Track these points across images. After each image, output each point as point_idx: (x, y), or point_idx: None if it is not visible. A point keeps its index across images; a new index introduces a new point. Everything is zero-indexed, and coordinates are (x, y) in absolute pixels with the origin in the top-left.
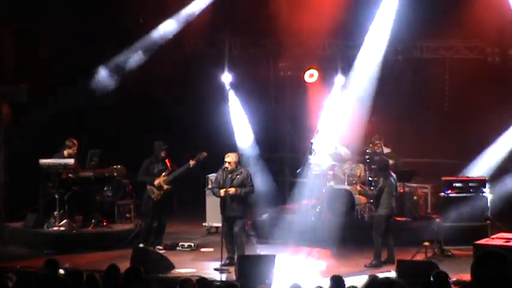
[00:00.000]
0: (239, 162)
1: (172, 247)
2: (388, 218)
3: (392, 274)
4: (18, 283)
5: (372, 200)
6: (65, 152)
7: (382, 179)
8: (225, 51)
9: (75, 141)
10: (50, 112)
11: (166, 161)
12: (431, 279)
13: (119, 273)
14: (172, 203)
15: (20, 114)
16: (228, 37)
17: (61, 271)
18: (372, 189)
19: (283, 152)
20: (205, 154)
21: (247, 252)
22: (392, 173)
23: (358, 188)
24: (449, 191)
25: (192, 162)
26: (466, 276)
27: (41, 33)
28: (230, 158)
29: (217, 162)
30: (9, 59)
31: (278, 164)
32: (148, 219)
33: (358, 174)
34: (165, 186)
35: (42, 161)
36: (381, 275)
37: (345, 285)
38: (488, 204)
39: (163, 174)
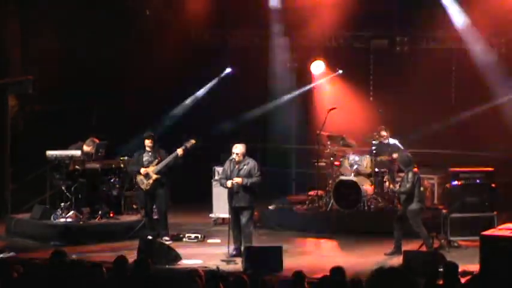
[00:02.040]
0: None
1: (179, 238)
2: (422, 210)
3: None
4: (24, 274)
5: (398, 196)
6: (85, 147)
7: (410, 174)
8: (228, 43)
9: (96, 141)
10: (57, 104)
11: (159, 151)
12: (441, 269)
13: (127, 264)
14: (167, 193)
15: (27, 105)
16: (233, 29)
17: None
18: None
19: (290, 143)
20: (193, 142)
21: (254, 244)
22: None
23: (392, 187)
24: (456, 182)
25: (179, 151)
26: (473, 267)
27: (48, 25)
28: (238, 149)
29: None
30: (16, 51)
31: (285, 155)
32: (143, 210)
33: (365, 165)
34: (154, 176)
35: (49, 152)
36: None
37: (345, 276)
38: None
39: (153, 164)
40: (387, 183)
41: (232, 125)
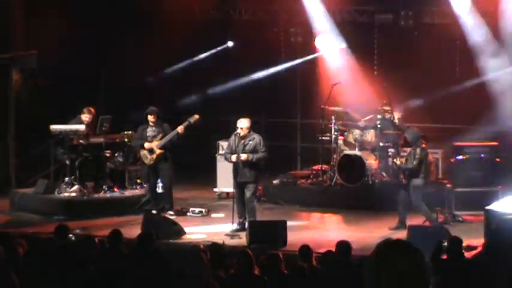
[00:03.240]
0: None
1: (183, 213)
2: (426, 185)
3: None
4: (29, 249)
5: (403, 170)
6: (83, 117)
7: (418, 150)
8: (233, 16)
9: (92, 110)
10: (60, 78)
11: (163, 125)
12: (445, 244)
13: (121, 238)
14: (171, 167)
15: (30, 80)
16: (238, 2)
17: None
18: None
19: (295, 117)
20: (197, 117)
21: (258, 218)
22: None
23: (398, 162)
24: (461, 156)
25: (180, 128)
26: (477, 242)
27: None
28: (242, 123)
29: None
30: (19, 26)
31: (289, 129)
32: (147, 185)
33: (369, 139)
34: (158, 151)
35: (53, 126)
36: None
37: (351, 250)
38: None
39: (157, 138)
40: (392, 158)
41: (237, 98)
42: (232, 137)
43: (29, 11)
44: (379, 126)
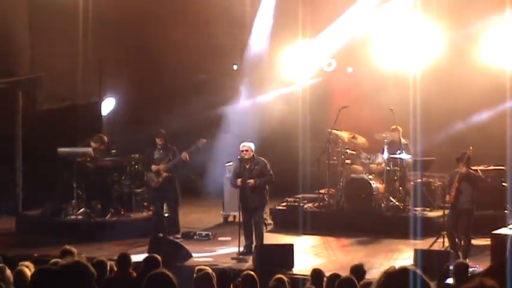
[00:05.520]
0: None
1: (190, 236)
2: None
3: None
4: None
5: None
6: (92, 144)
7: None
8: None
9: (104, 138)
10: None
11: (171, 148)
12: (451, 268)
13: (130, 262)
14: (176, 191)
15: (37, 103)
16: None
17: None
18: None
19: (302, 141)
20: (204, 141)
21: (265, 242)
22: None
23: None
24: None
25: (183, 155)
26: (484, 266)
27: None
28: (246, 146)
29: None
30: (26, 49)
31: (296, 153)
32: (153, 207)
33: (376, 163)
34: (164, 174)
35: (61, 149)
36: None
37: (365, 274)
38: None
39: (164, 161)
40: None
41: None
42: (237, 162)
43: (35, 33)
44: (386, 150)
